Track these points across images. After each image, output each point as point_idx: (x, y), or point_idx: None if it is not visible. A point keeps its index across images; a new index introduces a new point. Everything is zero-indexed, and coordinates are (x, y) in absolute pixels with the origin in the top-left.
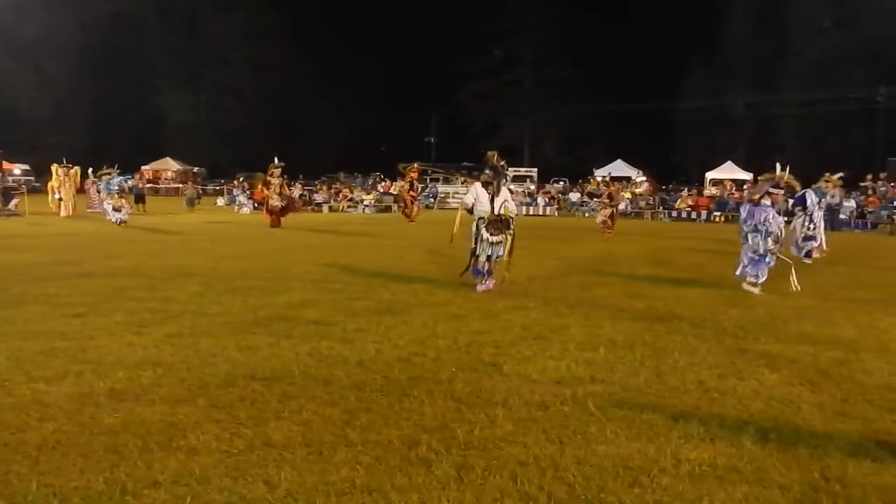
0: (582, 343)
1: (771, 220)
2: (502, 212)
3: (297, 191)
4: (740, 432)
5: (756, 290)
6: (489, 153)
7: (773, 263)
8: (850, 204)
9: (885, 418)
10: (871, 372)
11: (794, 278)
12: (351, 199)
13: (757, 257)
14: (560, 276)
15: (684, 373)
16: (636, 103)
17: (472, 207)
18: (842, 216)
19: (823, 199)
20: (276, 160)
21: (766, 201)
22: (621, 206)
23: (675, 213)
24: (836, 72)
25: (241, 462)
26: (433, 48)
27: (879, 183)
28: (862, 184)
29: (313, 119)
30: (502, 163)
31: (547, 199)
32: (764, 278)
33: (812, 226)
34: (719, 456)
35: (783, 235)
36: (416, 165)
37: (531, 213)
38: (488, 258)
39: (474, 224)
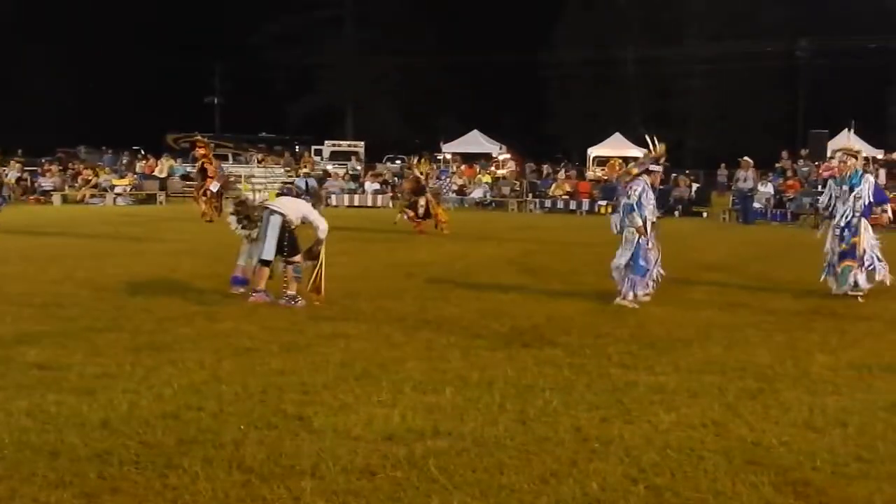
0: (422, 382)
1: (644, 193)
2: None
3: (12, 172)
4: (628, 494)
5: (633, 304)
6: None
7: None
8: (767, 190)
9: (804, 465)
10: (789, 406)
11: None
12: (96, 186)
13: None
14: (394, 290)
15: (557, 417)
16: (497, 55)
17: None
18: (756, 205)
19: (858, 188)
20: None
21: (645, 177)
22: (477, 193)
23: (548, 203)
24: (748, 19)
25: None
26: None
27: (801, 162)
28: (778, 164)
29: (37, 73)
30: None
31: (378, 185)
32: (643, 291)
33: (846, 233)
34: None
35: (655, 220)
36: (198, 137)
37: (356, 203)
38: (249, 260)
39: None
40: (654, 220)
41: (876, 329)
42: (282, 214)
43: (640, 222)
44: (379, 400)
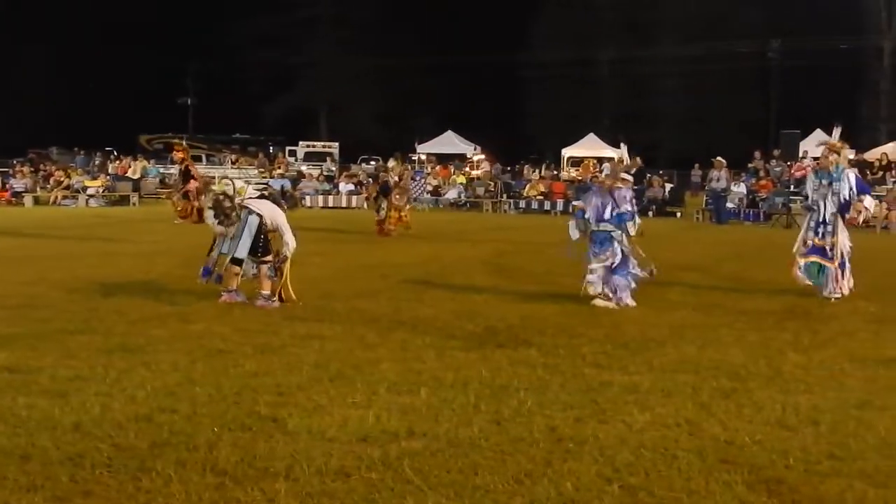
0: (396, 383)
1: (630, 203)
2: (229, 190)
3: None
4: (602, 493)
5: (611, 304)
6: None
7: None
8: (740, 189)
9: (777, 464)
10: (762, 405)
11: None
12: (68, 187)
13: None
14: (368, 291)
15: (532, 418)
16: (473, 55)
17: None
18: (729, 205)
19: (837, 184)
20: None
21: (620, 185)
22: (452, 194)
23: (523, 204)
24: (721, 21)
25: None
26: None
27: (773, 162)
28: (751, 164)
29: (9, 74)
30: None
31: (353, 186)
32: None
33: (821, 229)
34: None
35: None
36: (175, 140)
37: (331, 204)
38: (221, 255)
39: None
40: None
41: (848, 328)
42: (259, 215)
43: (632, 232)
44: (353, 401)
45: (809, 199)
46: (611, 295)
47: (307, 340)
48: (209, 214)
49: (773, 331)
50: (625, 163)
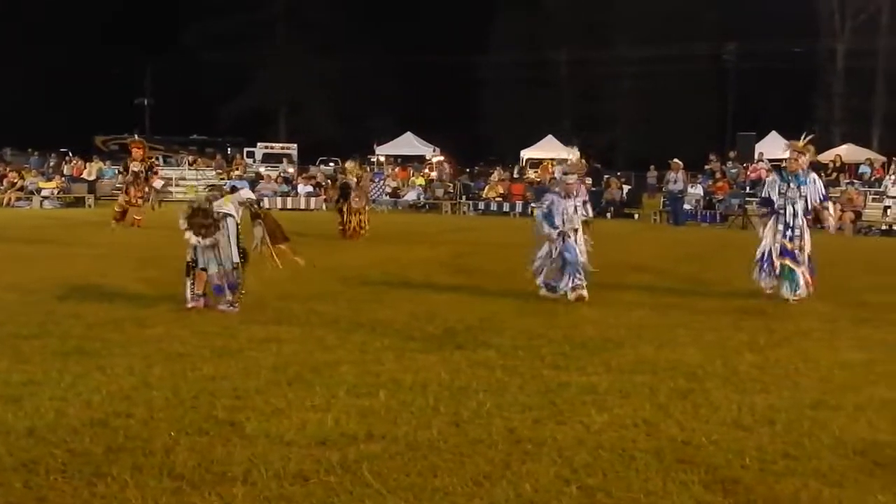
0: (356, 386)
1: (554, 205)
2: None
3: None
4: (560, 494)
5: (551, 294)
6: None
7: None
8: (697, 191)
9: (733, 463)
10: (718, 405)
11: None
12: (22, 189)
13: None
14: (328, 293)
15: (490, 419)
16: (431, 56)
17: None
18: (686, 206)
19: (804, 187)
20: None
21: (557, 188)
22: (411, 196)
23: (482, 206)
24: (677, 23)
25: None
26: None
27: (729, 164)
28: (708, 166)
29: None
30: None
31: (311, 188)
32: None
33: (790, 233)
34: None
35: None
36: (132, 139)
37: (289, 205)
38: (220, 267)
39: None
40: (576, 226)
41: (803, 328)
42: (235, 218)
43: (546, 231)
44: (312, 404)
45: (774, 202)
46: (546, 283)
47: (265, 343)
48: (183, 225)
49: (730, 331)
50: (571, 162)
